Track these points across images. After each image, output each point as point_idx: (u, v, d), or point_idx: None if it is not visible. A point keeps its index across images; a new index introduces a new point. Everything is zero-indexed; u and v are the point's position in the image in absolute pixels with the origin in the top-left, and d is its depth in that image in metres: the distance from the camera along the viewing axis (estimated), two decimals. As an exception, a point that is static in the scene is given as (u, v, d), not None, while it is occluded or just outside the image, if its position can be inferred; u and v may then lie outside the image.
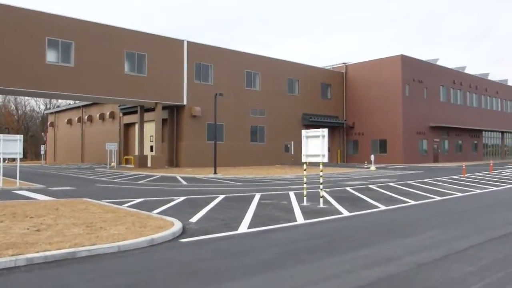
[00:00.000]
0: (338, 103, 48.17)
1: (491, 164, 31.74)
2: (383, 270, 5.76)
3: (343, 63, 49.42)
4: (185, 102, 34.70)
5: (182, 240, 7.67)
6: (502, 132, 61.55)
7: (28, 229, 7.92)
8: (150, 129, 37.38)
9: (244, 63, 39.08)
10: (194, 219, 9.83)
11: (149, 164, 34.80)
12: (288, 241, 7.77)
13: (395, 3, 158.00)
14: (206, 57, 36.31)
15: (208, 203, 12.61)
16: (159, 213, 10.47)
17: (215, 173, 26.28)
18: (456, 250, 6.91)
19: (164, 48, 33.53)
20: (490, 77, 60.80)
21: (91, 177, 25.31)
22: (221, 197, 14.22)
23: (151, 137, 37.66)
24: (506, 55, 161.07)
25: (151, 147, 37.69)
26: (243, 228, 8.84)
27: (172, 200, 13.31)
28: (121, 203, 12.21)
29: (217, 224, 9.19)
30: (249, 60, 39.58)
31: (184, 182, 21.09)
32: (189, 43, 35.20)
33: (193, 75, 35.38)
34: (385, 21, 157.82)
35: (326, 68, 49.35)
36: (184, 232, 8.31)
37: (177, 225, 8.48)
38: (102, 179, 23.63)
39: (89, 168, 36.45)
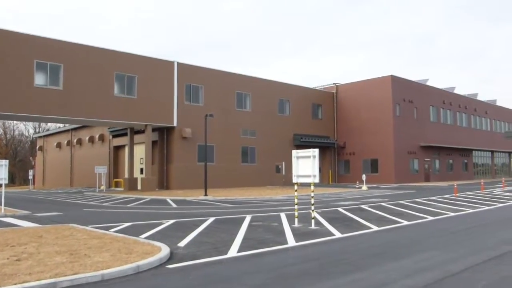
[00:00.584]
0: (329, 123, 48.29)
1: (482, 183, 31.76)
2: (377, 295, 5.55)
3: (333, 84, 49.73)
4: (175, 124, 34.53)
5: (169, 266, 7.40)
6: (492, 152, 61.99)
7: (8, 258, 7.60)
8: (140, 151, 37.06)
9: (235, 83, 39.16)
10: (182, 243, 9.56)
11: (139, 187, 34.37)
12: (279, 265, 7.53)
13: (385, 24, 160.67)
14: (196, 78, 36.33)
15: (198, 226, 12.33)
16: (146, 237, 10.18)
17: (206, 195, 25.95)
18: (452, 273, 6.72)
19: (154, 69, 33.51)
20: (479, 97, 61.56)
21: (79, 201, 24.86)
22: (211, 219, 13.94)
23: (141, 160, 37.30)
24: (494, 76, 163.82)
25: (141, 170, 37.30)
26: (233, 252, 8.58)
27: (161, 223, 13.01)
28: (108, 228, 11.89)
29: (206, 248, 8.93)
30: (240, 81, 39.68)
31: (174, 205, 20.75)
32: (179, 64, 35.24)
33: (183, 96, 35.31)
34: (375, 42, 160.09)
35: (317, 88, 49.63)
36: (171, 258, 8.03)
37: (164, 251, 8.21)
38: (91, 203, 23.21)
39: (78, 192, 35.92)
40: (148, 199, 25.04)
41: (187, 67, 35.92)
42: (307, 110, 45.96)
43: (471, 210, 16.45)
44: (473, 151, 57.32)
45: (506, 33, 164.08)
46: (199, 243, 9.55)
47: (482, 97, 62.94)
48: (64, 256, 7.75)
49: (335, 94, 48.90)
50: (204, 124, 27.84)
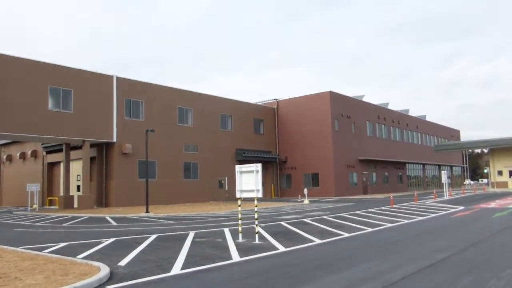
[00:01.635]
0: (271, 138, 48.89)
1: (416, 195, 33.31)
2: (322, 307, 5.61)
3: (274, 99, 50.54)
4: (114, 139, 33.51)
5: (109, 287, 7.07)
6: (423, 164, 65.39)
7: None
8: (77, 167, 35.56)
9: (176, 99, 38.75)
10: (123, 262, 9.20)
11: (75, 205, 32.89)
12: (224, 281, 7.44)
13: (323, 42, 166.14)
14: (137, 93, 35.59)
15: (139, 244, 11.94)
16: (84, 257, 9.70)
17: (147, 211, 25.28)
18: (391, 282, 6.94)
19: (92, 83, 32.43)
20: (410, 113, 64.96)
21: (9, 221, 23.33)
22: (153, 237, 13.56)
23: (78, 176, 35.79)
24: (423, 94, 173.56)
25: (78, 187, 35.77)
26: (176, 269, 8.37)
27: (100, 242, 12.47)
28: (41, 249, 11.22)
29: (148, 267, 8.65)
30: (181, 96, 39.33)
31: (113, 223, 20.01)
32: (118, 78, 34.37)
33: (123, 111, 34.41)
34: (313, 58, 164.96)
35: (258, 103, 50.20)
36: (112, 278, 7.69)
37: (103, 271, 7.85)
38: (22, 223, 21.85)
39: (7, 211, 33.73)
40: (86, 217, 23.98)
41: (127, 81, 35.14)
42: (249, 125, 46.31)
43: (406, 221, 17.17)
44: (407, 164, 60.18)
45: (428, 53, 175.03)
46: (141, 262, 9.24)
47: (413, 112, 66.54)
48: (-7, 281, 7.21)
49: (276, 110, 49.68)
50: (145, 139, 27.24)
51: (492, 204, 25.28)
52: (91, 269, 8.02)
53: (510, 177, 50.65)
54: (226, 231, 14.71)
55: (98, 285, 7.15)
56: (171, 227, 17.30)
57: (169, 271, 8.22)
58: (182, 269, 8.40)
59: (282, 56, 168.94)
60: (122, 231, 15.91)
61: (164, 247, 11.32)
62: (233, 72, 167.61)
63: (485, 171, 64.09)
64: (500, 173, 52.01)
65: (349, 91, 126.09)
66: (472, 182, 79.03)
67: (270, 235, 13.13)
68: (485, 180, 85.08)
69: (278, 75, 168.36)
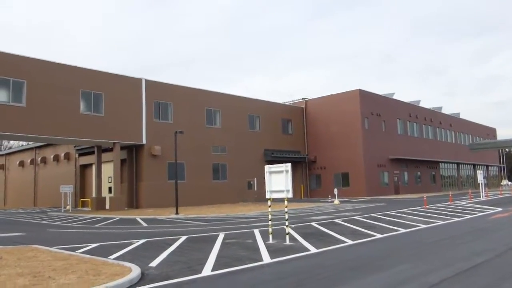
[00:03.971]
0: (299, 138, 48.56)
1: (450, 195, 32.40)
2: (358, 311, 5.40)
3: (302, 99, 50.22)
4: (144, 141, 33.94)
5: (141, 288, 7.06)
6: (458, 164, 63.66)
7: (-35, 283, 7.09)
8: (108, 169, 36.16)
9: (204, 100, 38.96)
10: (154, 263, 9.19)
11: (107, 206, 33.45)
12: (255, 282, 7.31)
13: (350, 40, 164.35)
14: (165, 95, 35.95)
15: (170, 245, 11.95)
16: (116, 258, 9.76)
17: (177, 213, 25.44)
18: (429, 285, 6.66)
19: (121, 87, 32.96)
20: (443, 111, 63.37)
21: (43, 221, 23.90)
22: (183, 238, 13.57)
23: (110, 178, 36.39)
24: (457, 91, 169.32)
25: (110, 189, 36.36)
26: (207, 271, 8.30)
27: (131, 243, 12.55)
28: (74, 249, 11.37)
29: (179, 268, 8.61)
30: (209, 98, 39.51)
31: (144, 224, 20.20)
32: (147, 81, 34.82)
33: (152, 114, 34.82)
34: (340, 57, 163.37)
35: (286, 103, 49.96)
36: (143, 278, 7.68)
37: (135, 271, 7.84)
38: (56, 223, 22.33)
39: (42, 212, 34.61)
40: (117, 218, 24.33)
41: (155, 84, 35.55)
42: (277, 125, 46.13)
43: (441, 222, 16.65)
44: (440, 163, 58.71)
45: (461, 49, 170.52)
46: (172, 263, 9.22)
47: (446, 110, 64.90)
48: (27, 279, 7.29)
49: (304, 109, 49.34)
50: (174, 141, 27.45)
51: (532, 204, 24.30)
52: (123, 269, 8.03)
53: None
54: (256, 232, 14.59)
55: (130, 285, 7.14)
56: (201, 228, 17.31)
57: (199, 272, 8.15)
58: (212, 270, 8.32)
59: (309, 56, 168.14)
60: (152, 232, 16.02)
61: (194, 249, 11.29)
62: (259, 73, 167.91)
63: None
64: (538, 172, 50.07)
65: (378, 90, 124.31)
66: (509, 182, 76.40)
67: (301, 236, 12.93)
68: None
69: (305, 75, 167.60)
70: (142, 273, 7.98)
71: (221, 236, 13.78)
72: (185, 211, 27.67)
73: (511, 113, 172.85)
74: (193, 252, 10.62)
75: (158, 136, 34.42)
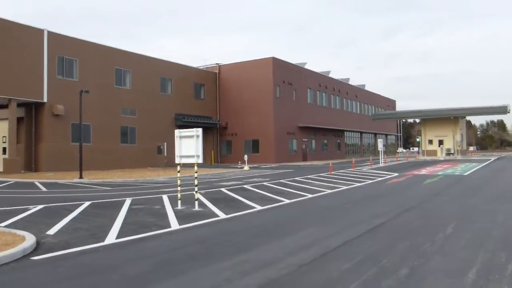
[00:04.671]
0: (212, 103, 48.15)
1: (353, 162, 34.35)
2: (264, 276, 5.44)
3: (216, 64, 49.56)
4: (45, 100, 31.43)
5: (35, 258, 6.50)
6: (361, 133, 67.57)
7: None
8: (2, 128, 33.12)
9: (114, 59, 36.83)
10: (52, 231, 8.57)
11: (1, 169, 30.81)
12: (163, 250, 7.10)
13: (268, 9, 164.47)
14: (70, 51, 33.35)
15: (71, 211, 11.26)
16: (7, 226, 8.93)
17: (81, 177, 24.14)
18: (332, 248, 6.93)
19: (20, 37, 29.87)
20: (351, 82, 66.33)
21: None
22: (87, 204, 12.87)
23: (4, 138, 33.40)
24: (364, 64, 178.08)
25: (4, 149, 33.44)
26: (111, 238, 7.91)
27: (27, 209, 11.62)
28: (-41, 217, 10.27)
29: (80, 235, 8.11)
30: (119, 56, 37.43)
31: (43, 189, 18.90)
32: (50, 33, 31.94)
33: (55, 70, 32.21)
34: (257, 25, 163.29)
35: (200, 68, 49.02)
36: (38, 248, 7.10)
37: (29, 240, 7.22)
38: None
39: None
40: (12, 182, 22.52)
41: (60, 37, 32.77)
42: (190, 89, 45.24)
43: (345, 187, 17.56)
44: (345, 132, 61.87)
45: (371, 25, 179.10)
46: (73, 230, 8.66)
47: (353, 81, 68.02)
48: None
49: (217, 74, 48.82)
50: (79, 101, 25.70)
51: (423, 171, 26.55)
52: (15, 238, 7.37)
53: (439, 146, 53.56)
54: (165, 197, 14.28)
55: (22, 256, 6.56)
56: (107, 193, 16.58)
57: (103, 240, 7.74)
58: (117, 238, 7.96)
59: (226, 21, 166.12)
60: (52, 198, 15.02)
61: (98, 215, 10.74)
62: (177, 35, 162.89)
63: (418, 140, 67.43)
64: (430, 142, 54.87)
65: (292, 59, 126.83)
66: (404, 150, 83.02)
67: (210, 202, 12.87)
68: (415, 149, 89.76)
69: (221, 41, 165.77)
70: (38, 242, 7.39)
71: (128, 201, 13.29)
72: (90, 175, 26.37)
73: (409, 87, 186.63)
74: (96, 219, 10.10)
75: (61, 95, 32.03)
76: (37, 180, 23.41)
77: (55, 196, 15.70)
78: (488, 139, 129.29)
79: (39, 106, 31.84)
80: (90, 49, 34.90)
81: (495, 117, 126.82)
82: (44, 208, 12.04)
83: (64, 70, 32.99)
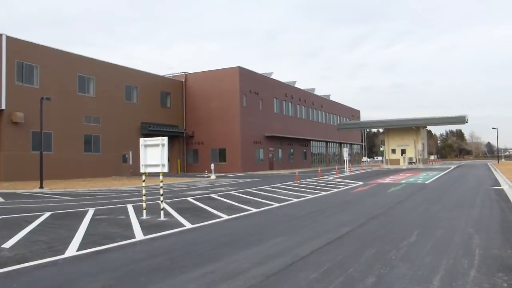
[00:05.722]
0: (178, 112, 47.74)
1: (319, 171, 34.66)
2: (231, 287, 5.33)
3: (182, 72, 49.26)
4: (3, 107, 30.31)
5: (-11, 273, 6.16)
6: (326, 142, 68.47)
7: None
8: (-43, 138, 31.68)
9: (76, 66, 35.99)
10: (8, 244, 8.17)
11: (-44, 180, 29.46)
12: (126, 262, 6.87)
13: (237, 17, 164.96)
14: (31, 57, 32.37)
15: (29, 222, 10.80)
16: (-40, 239, 8.48)
17: (42, 187, 23.33)
18: (300, 257, 6.88)
19: (-24, 43, 28.82)
20: (316, 92, 67.29)
21: None
22: (47, 214, 12.39)
23: (-41, 148, 31.96)
24: (330, 73, 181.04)
25: (-41, 159, 31.98)
26: (72, 251, 7.60)
27: (-18, 221, 11.09)
28: None
29: (39, 249, 7.76)
30: (82, 63, 36.61)
31: (0, 199, 18.12)
32: (9, 38, 30.93)
33: (14, 76, 31.16)
34: (226, 33, 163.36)
35: (166, 76, 48.55)
36: (-7, 262, 6.75)
37: (-17, 254, 6.86)
38: None
39: None
40: (-32, 193, 21.52)
41: (19, 42, 31.80)
42: (156, 98, 44.73)
43: (311, 196, 17.64)
44: (311, 141, 62.55)
45: (338, 35, 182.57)
46: (30, 243, 8.29)
47: (319, 91, 69.09)
48: None
49: (184, 83, 48.51)
50: (40, 108, 24.92)
51: (387, 180, 27.07)
52: (-33, 253, 6.98)
53: (402, 155, 54.88)
54: (130, 207, 13.93)
55: (-26, 271, 6.20)
56: (68, 203, 16.05)
57: (63, 252, 7.43)
58: (78, 250, 7.66)
59: (194, 29, 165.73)
60: (10, 209, 14.40)
61: (58, 226, 10.35)
62: (143, 41, 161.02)
63: (381, 149, 68.92)
64: (393, 151, 56.17)
65: (260, 68, 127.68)
66: (368, 159, 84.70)
67: (176, 212, 12.64)
68: (379, 158, 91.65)
69: (188, 48, 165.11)
70: (-7, 256, 7.02)
71: (91, 212, 12.88)
72: (51, 184, 25.53)
73: (374, 97, 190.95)
74: (57, 230, 9.72)
75: (21, 102, 31.00)
76: (-6, 190, 22.45)
77: (12, 207, 15.06)
78: (447, 148, 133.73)
79: (-3, 113, 30.69)
80: (52, 55, 34.01)
81: (454, 127, 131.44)
82: (1, 220, 11.51)
83: (24, 76, 31.98)
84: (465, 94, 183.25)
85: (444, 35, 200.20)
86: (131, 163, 38.61)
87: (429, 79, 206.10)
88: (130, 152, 38.62)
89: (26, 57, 32.16)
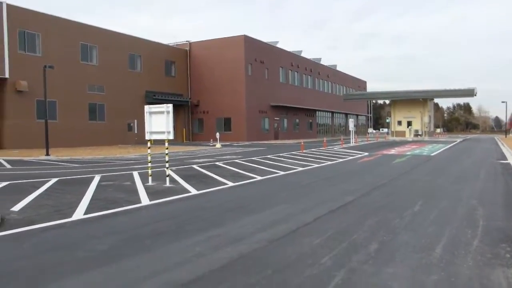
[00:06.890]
0: (183, 81, 47.48)
1: (325, 141, 34.64)
2: (235, 250, 5.40)
3: (186, 41, 48.71)
4: (7, 75, 30.21)
5: (-2, 235, 6.28)
6: (332, 112, 68.15)
7: None
8: (-37, 105, 31.76)
9: (79, 34, 35.62)
10: (17, 207, 8.30)
11: (-37, 146, 29.71)
12: (132, 225, 6.96)
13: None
14: (32, 25, 32.03)
15: (37, 188, 10.93)
16: (-31, 203, 8.61)
17: (48, 154, 23.49)
18: (304, 223, 6.94)
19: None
20: (322, 62, 66.52)
21: None
22: (54, 180, 12.52)
23: (-35, 115, 32.09)
24: (337, 44, 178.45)
25: (-34, 127, 32.16)
26: (79, 214, 7.71)
27: (-10, 186, 11.23)
28: None
29: (47, 212, 7.88)
30: (85, 31, 36.22)
31: (7, 166, 18.31)
32: (9, 6, 30.52)
33: (16, 45, 30.91)
34: (230, 2, 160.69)
35: (170, 45, 48.05)
36: (2, 224, 6.87)
37: (-9, 217, 6.97)
38: None
39: None
40: (-25, 159, 21.74)
41: (20, 10, 31.38)
42: (160, 67, 44.41)
43: (316, 165, 17.68)
44: (317, 112, 62.27)
45: (346, 4, 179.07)
46: (38, 207, 8.41)
47: (325, 61, 68.26)
48: None
49: (188, 52, 48.03)
50: (43, 76, 24.81)
51: (393, 151, 27.02)
52: (-24, 215, 7.09)
53: (408, 127, 54.62)
54: (135, 174, 14.04)
55: (-16, 232, 6.32)
56: (75, 170, 16.19)
57: (70, 216, 7.54)
58: (85, 213, 7.77)
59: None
60: (17, 175, 14.56)
61: (65, 191, 10.46)
62: (146, 10, 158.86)
63: (387, 121, 68.59)
64: (399, 123, 55.86)
65: (265, 37, 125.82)
66: (374, 131, 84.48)
67: (182, 178, 12.73)
68: (385, 130, 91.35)
69: (194, 17, 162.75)
70: (2, 219, 7.14)
71: (97, 178, 13.00)
72: (57, 152, 25.70)
73: (380, 68, 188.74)
74: (64, 195, 9.83)
75: (24, 70, 30.87)
76: (1, 157, 22.66)
77: (20, 173, 15.22)
78: (454, 121, 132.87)
79: (1, 82, 30.62)
80: (53, 23, 33.63)
81: (462, 100, 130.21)
82: (9, 185, 11.66)
83: (26, 45, 31.74)
84: (474, 67, 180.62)
85: (455, 6, 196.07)
86: (136, 131, 38.71)
87: (438, 51, 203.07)
88: (135, 121, 38.66)
89: (28, 26, 31.82)
